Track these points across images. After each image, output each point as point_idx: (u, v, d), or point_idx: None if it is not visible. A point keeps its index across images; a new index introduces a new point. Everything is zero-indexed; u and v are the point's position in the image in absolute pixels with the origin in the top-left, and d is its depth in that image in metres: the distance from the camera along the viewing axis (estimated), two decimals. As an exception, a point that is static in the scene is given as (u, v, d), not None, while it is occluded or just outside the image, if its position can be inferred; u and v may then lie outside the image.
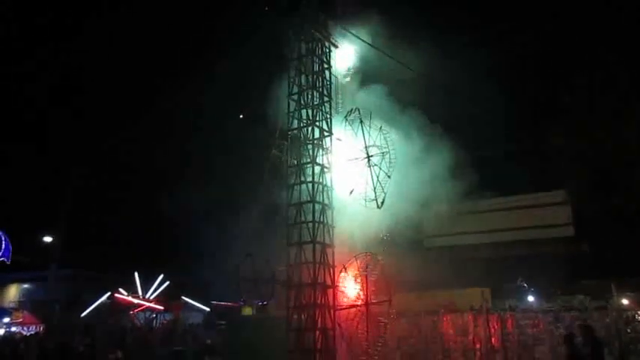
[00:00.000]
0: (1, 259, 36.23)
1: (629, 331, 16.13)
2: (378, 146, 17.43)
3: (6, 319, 29.83)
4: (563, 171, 24.24)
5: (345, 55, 19.99)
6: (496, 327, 17.66)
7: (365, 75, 20.38)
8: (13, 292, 40.94)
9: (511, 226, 25.66)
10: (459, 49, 21.67)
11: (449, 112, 20.11)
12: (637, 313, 16.27)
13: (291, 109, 17.12)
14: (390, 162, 17.20)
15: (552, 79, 26.45)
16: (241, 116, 22.47)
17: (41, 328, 30.22)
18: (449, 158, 19.23)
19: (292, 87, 17.23)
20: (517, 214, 25.91)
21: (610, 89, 22.75)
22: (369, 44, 19.08)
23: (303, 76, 17.07)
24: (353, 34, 19.10)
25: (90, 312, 33.36)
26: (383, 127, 17.53)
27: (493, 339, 17.50)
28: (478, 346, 17.65)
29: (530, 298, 20.46)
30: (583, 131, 22.98)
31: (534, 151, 24.90)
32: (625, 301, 17.35)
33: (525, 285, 20.91)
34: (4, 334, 27.67)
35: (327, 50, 17.92)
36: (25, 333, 29.21)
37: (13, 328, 29.00)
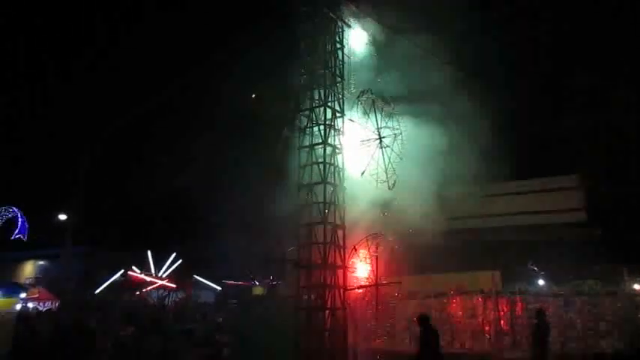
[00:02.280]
0: (18, 236, 36.92)
1: (640, 316, 16.09)
2: (390, 127, 17.35)
3: (22, 295, 30.40)
4: (576, 155, 24.02)
5: (359, 35, 19.77)
6: (505, 310, 17.69)
7: (379, 56, 20.17)
8: (29, 268, 41.69)
9: (523, 210, 25.51)
10: (473, 31, 21.32)
11: (463, 94, 19.85)
12: (648, 299, 16.20)
13: (303, 89, 17.04)
14: (401, 143, 17.14)
15: (567, 60, 26.02)
16: (253, 95, 22.43)
17: (56, 304, 30.80)
18: (462, 141, 19.11)
19: (304, 67, 17.13)
20: (530, 198, 25.75)
21: (623, 72, 22.43)
22: (383, 24, 18.86)
23: (315, 56, 16.95)
24: (367, 14, 18.91)
25: (103, 289, 33.93)
26: (395, 109, 17.44)
27: (502, 322, 17.54)
28: (487, 328, 17.70)
29: (541, 282, 20.41)
30: (597, 115, 22.72)
31: (548, 135, 24.69)
32: (636, 286, 17.26)
33: (536, 269, 20.86)
34: (20, 310, 28.21)
35: (341, 30, 17.75)
36: (40, 308, 29.79)
37: (29, 304, 29.55)
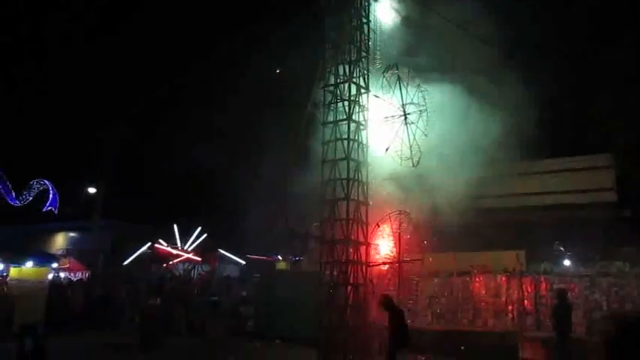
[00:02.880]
0: (49, 208, 37.89)
1: (667, 298, 15.79)
2: (415, 104, 17.12)
3: (54, 265, 31.31)
4: (608, 134, 23.37)
5: (386, 8, 19.42)
6: (530, 290, 17.57)
7: (406, 30, 19.82)
8: (61, 240, 42.83)
9: (552, 190, 25.02)
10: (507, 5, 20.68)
11: (492, 71, 19.42)
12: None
13: (328, 65, 16.87)
14: (427, 120, 16.91)
15: (600, 34, 25.12)
16: (277, 71, 22.34)
17: (87, 275, 31.68)
18: (489, 119, 18.75)
19: (329, 42, 16.93)
20: (559, 177, 25.20)
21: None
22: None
23: (340, 31, 16.72)
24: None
25: (131, 261, 34.71)
26: (421, 85, 17.16)
27: (526, 301, 17.45)
28: (510, 307, 17.64)
29: (567, 263, 20.11)
30: (631, 92, 21.99)
31: (580, 113, 24.04)
32: (666, 269, 16.85)
33: (562, 249, 20.54)
34: (52, 279, 29.12)
35: (367, 3, 17.43)
36: (72, 278, 30.69)
37: (61, 274, 30.44)
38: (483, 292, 18.22)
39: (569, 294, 15.50)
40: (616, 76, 23.04)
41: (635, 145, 22.73)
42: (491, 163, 21.08)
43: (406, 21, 19.41)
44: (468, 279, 18.43)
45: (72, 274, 31.68)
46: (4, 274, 21.98)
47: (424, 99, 17.00)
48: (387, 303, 13.27)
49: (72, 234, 42.46)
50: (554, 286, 16.87)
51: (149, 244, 34.40)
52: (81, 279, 30.96)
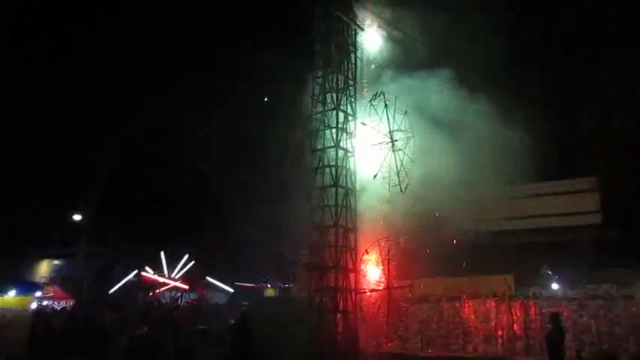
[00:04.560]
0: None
1: (655, 321, 15.89)
2: (402, 130, 17.32)
3: (38, 294, 30.80)
4: (593, 158, 23.72)
5: (372, 38, 19.76)
6: (519, 314, 17.57)
7: (392, 58, 20.13)
8: (45, 267, 42.18)
9: (539, 213, 25.27)
10: (486, 31, 21.09)
11: (476, 95, 19.72)
12: (664, 304, 15.98)
13: (316, 92, 17.07)
14: (414, 147, 17.10)
15: (584, 58, 25.65)
16: (266, 99, 22.49)
17: (71, 303, 31.16)
18: (475, 144, 19.00)
19: (317, 70, 17.16)
20: (546, 201, 25.47)
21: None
22: (396, 27, 18.85)
23: (327, 60, 16.97)
24: (381, 17, 18.90)
25: (118, 289, 34.22)
26: (408, 112, 17.40)
27: (515, 326, 17.43)
28: (500, 332, 17.61)
29: (555, 286, 20.20)
30: (615, 115, 22.41)
31: (564, 136, 24.37)
32: (653, 291, 17.01)
33: (550, 272, 20.66)
34: (36, 308, 28.60)
35: (354, 33, 17.75)
36: (55, 307, 30.16)
37: (45, 302, 29.94)
38: (473, 317, 18.18)
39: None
40: (600, 101, 23.52)
41: (619, 168, 23.08)
42: (478, 188, 21.29)
43: (392, 50, 19.73)
44: (457, 304, 18.39)
45: (56, 303, 31.14)
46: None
47: (411, 126, 17.22)
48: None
49: (56, 262, 41.85)
50: (545, 311, 16.91)
51: (136, 271, 33.99)
52: (65, 307, 30.43)
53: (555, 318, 14.46)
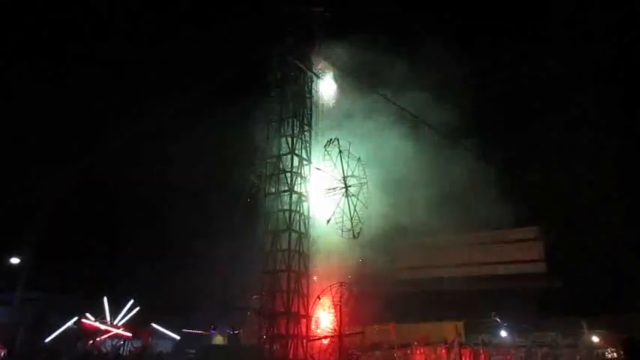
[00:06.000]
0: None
1: (598, 368, 16.28)
2: (356, 177, 17.53)
3: (-34, 344, 28.66)
4: (536, 208, 24.59)
5: (328, 85, 20.19)
6: (469, 362, 17.65)
7: (347, 106, 20.56)
8: (-25, 314, 39.45)
9: (485, 261, 25.82)
10: (436, 85, 21.91)
11: (428, 145, 20.29)
12: (607, 351, 16.42)
13: (271, 137, 17.16)
14: (367, 193, 17.31)
15: (527, 116, 27.05)
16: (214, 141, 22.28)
17: (3, 354, 29.10)
18: (424, 192, 19.43)
19: (273, 115, 17.31)
20: (491, 249, 26.09)
21: (583, 127, 23.45)
22: (352, 76, 19.33)
23: (283, 105, 17.19)
24: (335, 67, 19.39)
25: (55, 337, 32.27)
26: (362, 159, 17.68)
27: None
28: (451, 380, 17.58)
29: (504, 333, 20.49)
30: (557, 170, 23.50)
31: (509, 188, 25.24)
32: (595, 339, 17.51)
33: (498, 320, 20.95)
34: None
35: (310, 80, 18.11)
36: (-15, 358, 28.11)
37: (-27, 353, 27.84)
38: (424, 364, 18.15)
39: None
40: (543, 154, 24.64)
41: (561, 217, 23.99)
42: (429, 235, 21.61)
43: (347, 97, 20.17)
44: (408, 351, 18.32)
45: (-14, 353, 29.03)
46: None
47: (364, 172, 17.47)
48: None
49: (-11, 308, 39.26)
50: (493, 358, 17.09)
51: (76, 318, 32.21)
52: (-4, 358, 28.40)
53: None
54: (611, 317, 18.67)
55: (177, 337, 32.93)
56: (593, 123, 24.05)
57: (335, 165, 17.75)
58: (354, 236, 17.21)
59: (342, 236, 17.29)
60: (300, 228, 16.22)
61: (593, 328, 17.69)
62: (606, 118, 23.95)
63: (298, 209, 16.34)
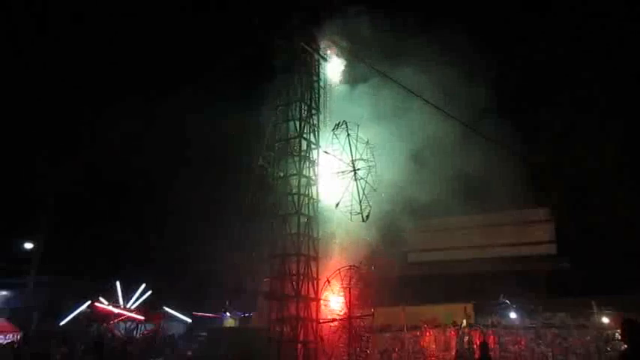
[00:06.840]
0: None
1: (608, 349, 16.27)
2: (364, 159, 17.47)
3: (-18, 327, 29.18)
4: (546, 188, 24.46)
5: (335, 67, 20.04)
6: (478, 343, 17.69)
7: (355, 88, 20.43)
8: (-10, 299, 40.09)
9: (495, 243, 25.78)
10: (445, 63, 21.65)
11: (435, 126, 20.14)
12: (616, 332, 16.39)
13: (279, 121, 17.12)
14: (375, 175, 17.25)
15: (535, 96, 26.80)
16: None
17: (18, 337, 29.62)
18: (434, 173, 19.35)
19: (280, 99, 17.25)
20: (501, 231, 26.02)
21: (591, 107, 23.20)
22: (360, 58, 19.14)
23: (291, 89, 17.10)
24: (343, 48, 19.21)
25: (69, 320, 32.77)
26: (370, 141, 17.59)
27: (475, 355, 17.52)
28: (460, 361, 17.67)
29: (513, 315, 20.54)
30: (566, 149, 23.31)
31: (519, 168, 25.10)
32: (605, 320, 17.47)
33: (508, 301, 21.00)
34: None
35: (317, 63, 17.98)
36: (1, 341, 28.61)
37: (-10, 336, 28.37)
38: (434, 346, 18.23)
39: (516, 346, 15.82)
40: (554, 135, 24.43)
41: (572, 199, 23.87)
42: (438, 217, 21.55)
43: (355, 79, 20.02)
44: (418, 333, 18.43)
45: (2, 337, 29.55)
46: None
47: (372, 155, 17.39)
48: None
49: (3, 292, 39.84)
50: (502, 340, 17.17)
51: (89, 302, 32.66)
52: (12, 341, 28.89)
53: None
54: (622, 298, 18.60)
55: (189, 320, 33.34)
56: (605, 102, 23.79)
57: (343, 148, 17.68)
58: (362, 219, 17.19)
59: (350, 220, 17.29)
60: (309, 212, 16.24)
61: (602, 309, 17.65)
62: (619, 97, 23.68)
63: (307, 193, 16.35)
